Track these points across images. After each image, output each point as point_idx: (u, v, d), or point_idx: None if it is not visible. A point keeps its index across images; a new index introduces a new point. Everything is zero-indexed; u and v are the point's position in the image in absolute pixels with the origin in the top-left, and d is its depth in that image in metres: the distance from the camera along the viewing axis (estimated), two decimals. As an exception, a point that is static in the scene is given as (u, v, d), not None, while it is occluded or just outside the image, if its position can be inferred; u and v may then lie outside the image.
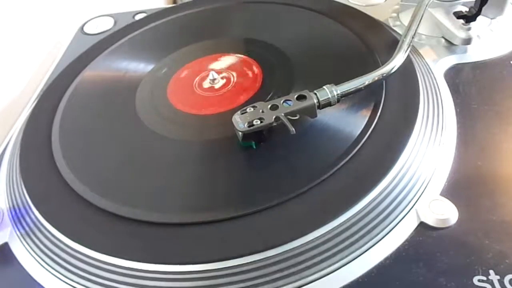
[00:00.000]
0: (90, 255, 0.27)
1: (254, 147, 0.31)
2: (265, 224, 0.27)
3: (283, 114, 0.30)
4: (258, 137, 0.31)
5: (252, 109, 0.31)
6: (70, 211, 0.30)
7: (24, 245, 0.30)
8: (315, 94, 0.31)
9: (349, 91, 0.32)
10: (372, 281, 0.25)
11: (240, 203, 0.28)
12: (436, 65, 0.38)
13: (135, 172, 0.33)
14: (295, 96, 0.31)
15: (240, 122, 0.30)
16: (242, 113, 0.31)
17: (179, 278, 0.26)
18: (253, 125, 0.30)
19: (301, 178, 0.29)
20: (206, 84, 0.39)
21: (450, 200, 0.28)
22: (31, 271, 0.29)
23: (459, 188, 0.29)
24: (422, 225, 0.27)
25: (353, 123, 0.32)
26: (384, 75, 0.33)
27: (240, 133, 0.30)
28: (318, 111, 0.31)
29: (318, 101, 0.31)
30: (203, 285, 0.25)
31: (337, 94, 0.31)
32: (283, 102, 0.31)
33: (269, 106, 0.31)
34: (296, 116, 0.30)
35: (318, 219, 0.26)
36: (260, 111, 0.31)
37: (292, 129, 0.29)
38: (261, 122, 0.30)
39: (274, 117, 0.30)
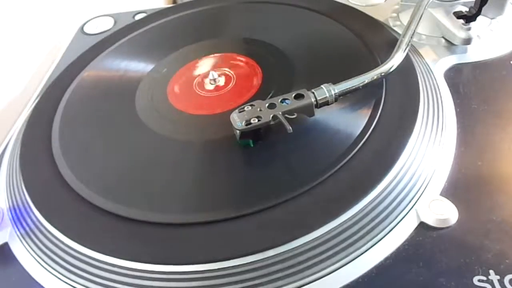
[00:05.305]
0: (90, 255, 0.27)
1: (252, 145, 0.31)
2: (265, 224, 0.27)
3: (280, 113, 0.30)
4: (256, 135, 0.31)
5: (250, 107, 0.31)
6: (70, 211, 0.30)
7: (24, 245, 0.30)
8: (313, 93, 0.31)
9: (347, 90, 0.32)
10: (372, 281, 0.25)
11: (240, 203, 0.28)
12: (436, 65, 0.38)
13: (135, 172, 0.33)
14: (293, 95, 0.31)
15: (237, 121, 0.30)
16: (240, 112, 0.31)
17: (179, 278, 0.26)
18: (250, 123, 0.30)
19: (300, 178, 0.29)
20: (206, 84, 0.39)
21: (450, 200, 0.28)
22: (31, 271, 0.29)
23: (459, 188, 0.29)
24: (422, 225, 0.27)
25: (353, 122, 0.32)
26: (383, 74, 0.33)
27: (237, 131, 0.30)
28: (316, 110, 0.31)
29: (316, 100, 0.31)
30: (203, 285, 0.25)
31: (335, 93, 0.31)
32: (281, 101, 0.31)
33: (267, 104, 0.31)
34: (293, 115, 0.30)
35: (317, 219, 0.26)
36: (258, 109, 0.31)
37: (290, 127, 0.29)
38: (258, 120, 0.30)
39: (271, 115, 0.30)
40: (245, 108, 0.31)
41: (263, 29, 0.44)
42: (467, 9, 0.39)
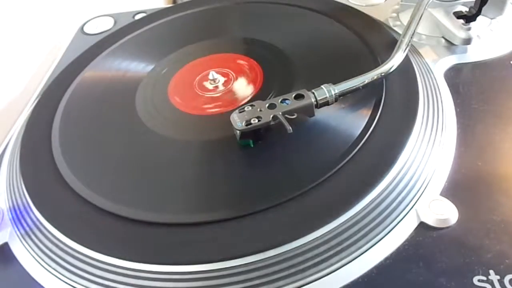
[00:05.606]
0: (90, 255, 0.27)
1: (252, 145, 0.31)
2: (265, 224, 0.27)
3: (280, 113, 0.30)
4: (256, 135, 0.31)
5: (250, 107, 0.31)
6: (70, 211, 0.30)
7: (24, 245, 0.30)
8: (313, 93, 0.31)
9: (347, 90, 0.32)
10: (372, 281, 0.25)
11: (240, 204, 0.28)
12: (436, 65, 0.38)
13: (135, 172, 0.33)
14: (293, 95, 0.31)
15: (238, 121, 0.30)
16: (240, 112, 0.31)
17: (179, 279, 0.26)
18: (250, 123, 0.30)
19: (301, 178, 0.29)
20: (206, 84, 0.39)
21: (450, 200, 0.28)
22: (31, 271, 0.29)
23: (459, 188, 0.29)
24: (422, 225, 0.27)
25: (353, 123, 0.32)
26: (383, 74, 0.33)
27: (238, 131, 0.30)
28: (316, 110, 0.31)
29: (316, 100, 0.31)
30: (203, 285, 0.25)
31: (335, 94, 0.31)
32: (281, 101, 0.31)
33: (267, 105, 0.31)
34: (293, 115, 0.30)
35: (318, 219, 0.26)
36: (258, 109, 0.31)
37: (290, 128, 0.29)
38: (258, 120, 0.30)
39: (271, 116, 0.30)
40: (245, 108, 0.31)
41: (263, 29, 0.44)
42: (467, 9, 0.39)
